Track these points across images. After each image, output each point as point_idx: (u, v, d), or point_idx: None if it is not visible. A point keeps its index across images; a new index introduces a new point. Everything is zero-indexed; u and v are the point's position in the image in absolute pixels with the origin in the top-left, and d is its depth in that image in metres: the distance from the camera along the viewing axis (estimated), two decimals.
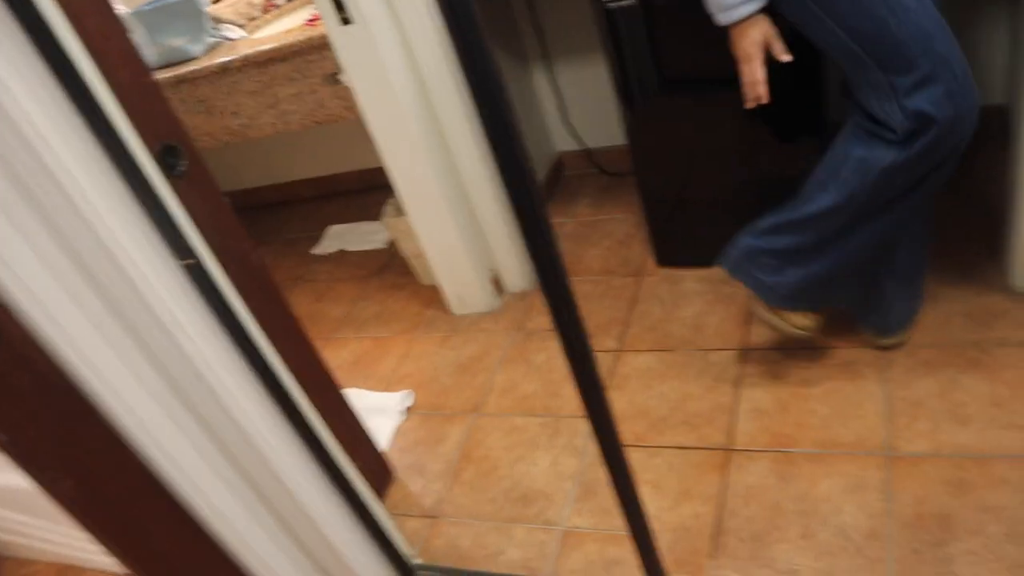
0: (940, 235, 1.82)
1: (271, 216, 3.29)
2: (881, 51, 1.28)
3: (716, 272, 2.09)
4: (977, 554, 1.31)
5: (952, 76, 1.26)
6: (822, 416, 1.63)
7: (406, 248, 2.40)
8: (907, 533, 1.38)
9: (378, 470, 1.82)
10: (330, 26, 1.80)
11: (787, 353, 1.80)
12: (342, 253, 2.87)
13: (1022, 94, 1.59)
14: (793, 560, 1.40)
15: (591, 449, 1.73)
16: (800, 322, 1.66)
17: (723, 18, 1.40)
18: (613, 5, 1.78)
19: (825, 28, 1.33)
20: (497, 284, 2.30)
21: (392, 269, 2.65)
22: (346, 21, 1.76)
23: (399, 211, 2.24)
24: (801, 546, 1.42)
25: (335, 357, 2.32)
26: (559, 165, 2.76)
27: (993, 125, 2.06)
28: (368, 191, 3.05)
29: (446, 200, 2.06)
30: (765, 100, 1.45)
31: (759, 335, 1.88)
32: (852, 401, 1.64)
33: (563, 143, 2.72)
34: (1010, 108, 1.75)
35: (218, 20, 2.38)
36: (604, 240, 2.41)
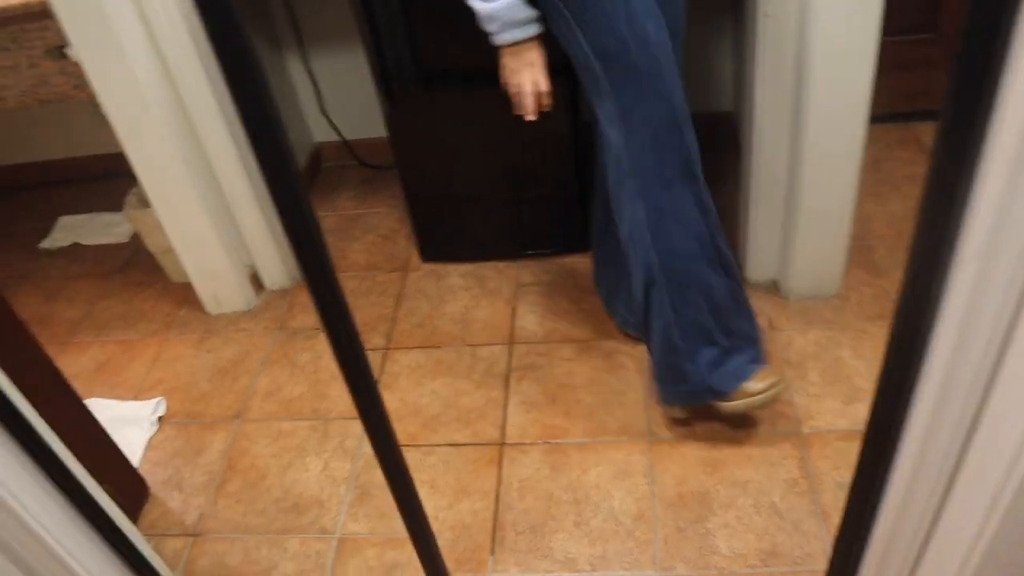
0: None
1: None
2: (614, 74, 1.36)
3: (481, 267, 2.13)
4: (732, 526, 1.44)
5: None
6: (588, 406, 1.71)
7: (153, 243, 2.19)
8: (671, 512, 1.48)
9: (130, 488, 1.65)
10: None
11: (552, 347, 1.86)
12: (77, 247, 2.57)
13: (747, 101, 1.76)
14: (570, 549, 1.46)
15: (364, 451, 1.69)
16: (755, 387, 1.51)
17: (498, 39, 1.41)
18: None
19: (575, 41, 1.38)
20: (255, 281, 2.17)
21: (137, 265, 2.41)
22: None
23: (143, 202, 2.04)
24: (576, 534, 1.48)
25: (73, 364, 2.08)
26: (317, 156, 2.68)
27: (724, 130, 2.29)
28: (106, 178, 2.73)
29: (196, 191, 1.91)
30: (533, 117, 1.50)
31: (524, 329, 1.93)
32: (615, 390, 1.74)
33: (321, 134, 2.64)
34: (738, 115, 1.93)
35: None
36: (367, 235, 2.37)
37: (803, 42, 1.51)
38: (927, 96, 2.36)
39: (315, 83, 2.50)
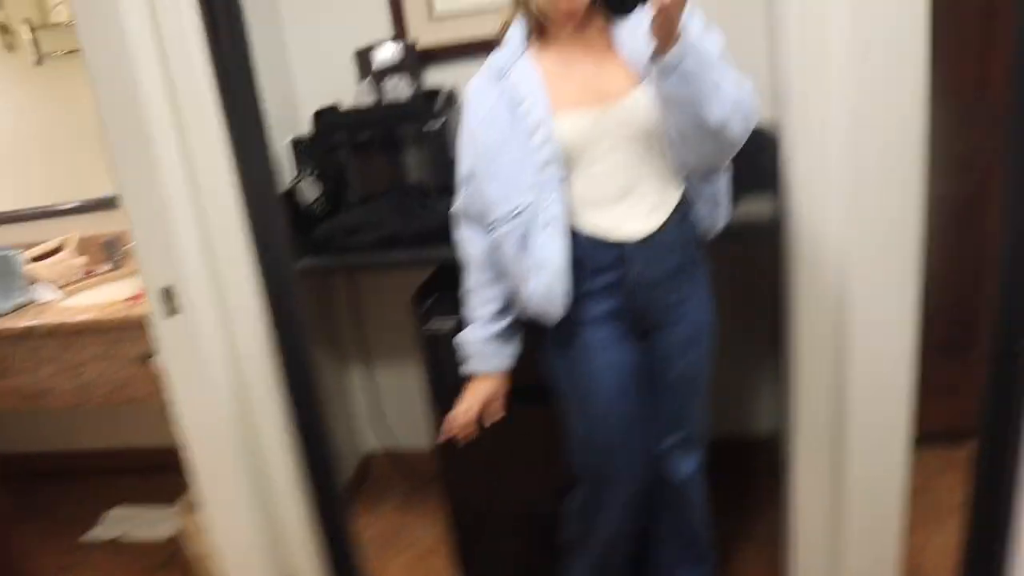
0: (725, 560, 1.90)
1: (45, 488, 2.94)
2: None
3: None
4: None
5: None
6: None
7: (194, 546, 2.19)
8: None
9: None
10: (155, 316, 1.74)
11: None
12: (118, 541, 2.57)
13: (790, 427, 1.80)
14: None
15: None
16: None
17: (462, 368, 1.59)
18: (429, 332, 1.90)
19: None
20: None
21: (174, 568, 2.39)
22: (173, 312, 1.73)
23: (192, 507, 2.07)
24: None
25: None
26: (367, 463, 2.73)
27: (764, 455, 2.30)
28: (162, 471, 2.81)
29: (248, 507, 1.93)
30: (457, 439, 1.62)
31: None
32: None
33: (374, 442, 2.72)
34: (780, 440, 1.95)
35: (34, 279, 2.30)
36: (408, 550, 2.34)
37: (841, 370, 1.59)
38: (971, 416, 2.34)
39: (375, 393, 2.63)
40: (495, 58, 1.47)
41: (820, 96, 1.45)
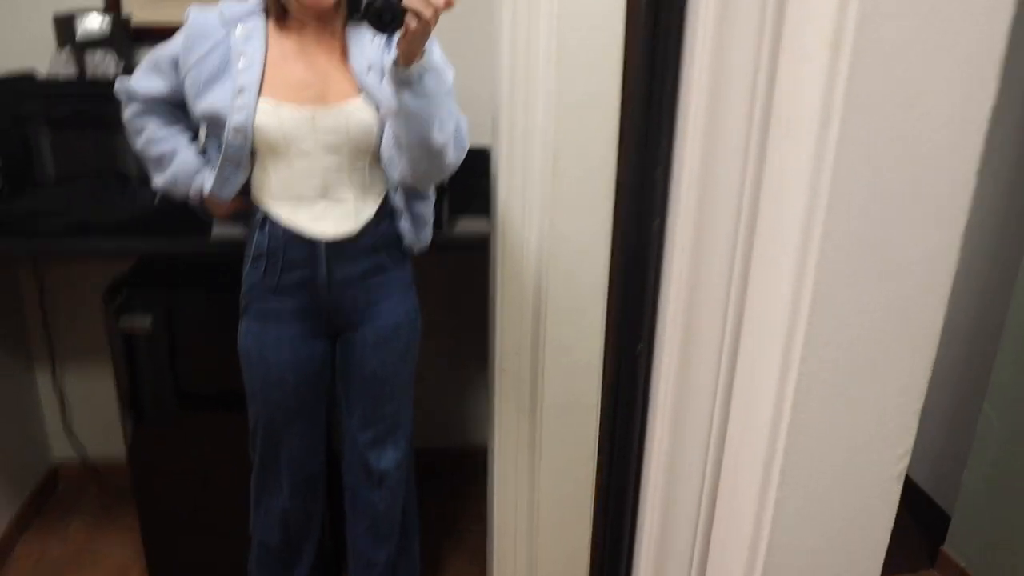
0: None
1: None
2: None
3: None
4: None
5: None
6: None
7: None
8: None
9: None
10: None
11: None
12: None
13: (492, 438, 1.87)
14: None
15: None
16: None
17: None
18: (123, 329, 1.76)
19: None
20: None
21: None
22: None
23: None
24: None
25: None
26: (54, 475, 2.46)
27: (478, 464, 2.39)
28: None
29: None
30: None
31: None
32: None
33: (61, 451, 2.45)
34: (488, 449, 2.03)
35: None
36: (98, 569, 2.13)
37: (536, 382, 1.68)
38: None
39: (62, 399, 2.38)
40: (228, 5, 1.46)
41: (523, 126, 1.54)
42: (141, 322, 1.76)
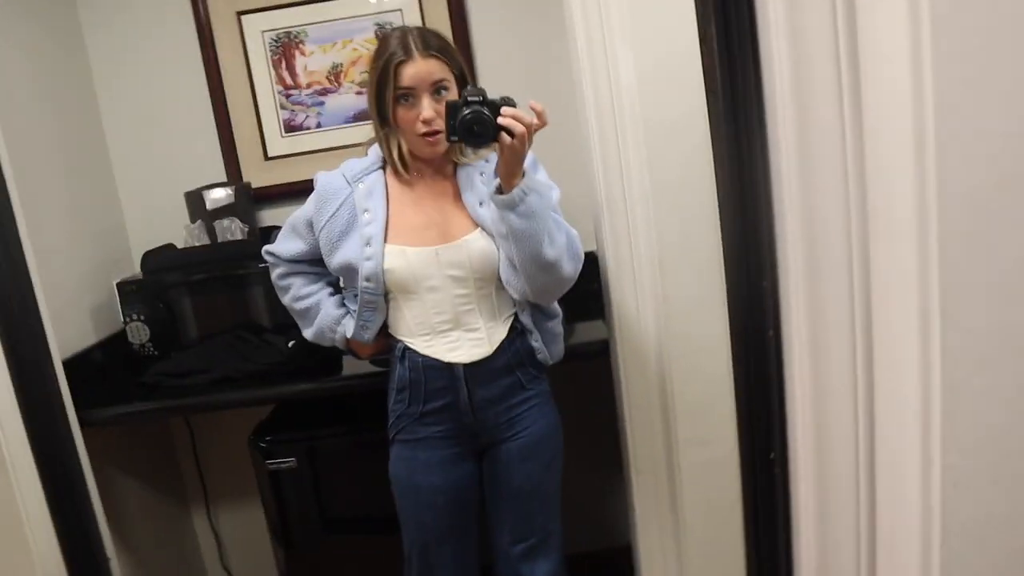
0: None
1: None
2: None
3: None
4: None
5: None
6: None
7: None
8: None
9: None
10: None
11: None
12: None
13: (634, 539, 1.85)
14: None
15: None
16: None
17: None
18: (274, 466, 1.86)
19: None
20: None
21: None
22: None
23: None
24: None
25: None
26: None
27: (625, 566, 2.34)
28: None
29: None
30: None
31: None
32: None
33: None
34: (632, 550, 2.00)
35: None
36: None
37: (672, 481, 1.66)
38: None
39: (217, 536, 2.50)
40: (351, 163, 1.60)
41: (624, 233, 1.59)
42: (287, 463, 1.86)
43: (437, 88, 1.46)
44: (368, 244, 1.51)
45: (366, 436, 1.88)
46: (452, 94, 1.48)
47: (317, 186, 1.59)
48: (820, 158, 0.72)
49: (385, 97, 1.47)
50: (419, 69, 1.44)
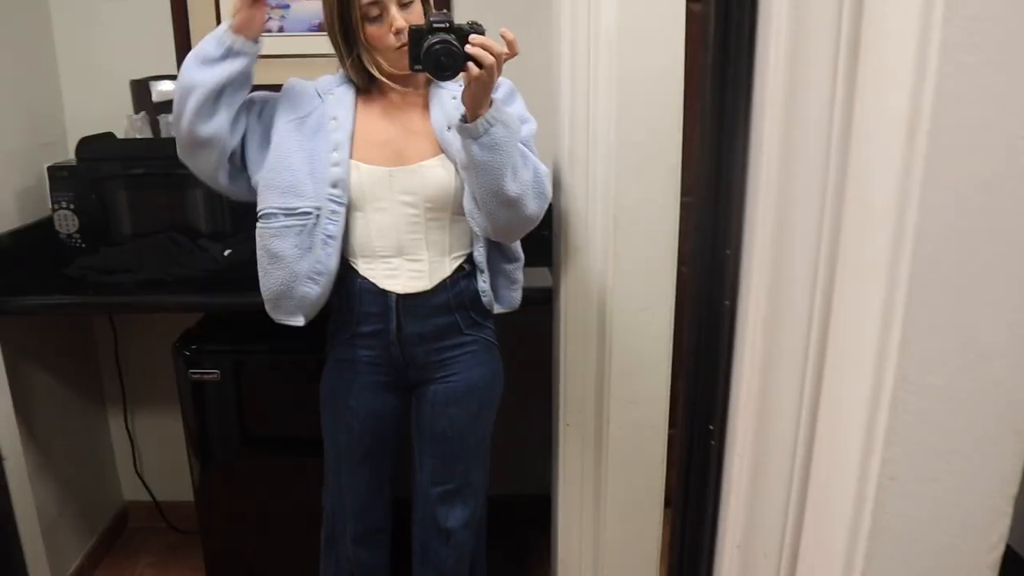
0: None
1: None
2: None
3: None
4: None
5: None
6: None
7: None
8: None
9: None
10: None
11: None
12: None
13: (556, 487, 1.86)
14: None
15: None
16: None
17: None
18: (197, 376, 1.81)
19: None
20: None
21: None
22: None
23: None
24: None
25: None
26: (124, 515, 2.53)
27: (541, 512, 2.37)
28: None
29: None
30: None
31: None
32: None
33: (132, 492, 2.51)
34: (552, 501, 2.02)
35: None
36: None
37: (599, 435, 1.66)
38: None
39: (133, 442, 2.44)
40: (323, 79, 1.55)
41: (584, 181, 1.56)
42: (210, 375, 1.81)
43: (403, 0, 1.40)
44: (336, 150, 1.45)
45: (295, 356, 1.84)
46: (418, 6, 1.43)
47: (290, 84, 1.52)
48: (805, 131, 0.69)
49: (352, 19, 1.40)
50: None
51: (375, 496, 1.66)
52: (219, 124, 1.40)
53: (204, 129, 1.39)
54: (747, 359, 0.77)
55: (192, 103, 1.37)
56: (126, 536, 2.50)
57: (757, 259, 0.72)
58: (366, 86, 1.51)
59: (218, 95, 1.39)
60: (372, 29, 1.41)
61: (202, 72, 1.38)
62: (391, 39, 1.40)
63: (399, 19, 1.39)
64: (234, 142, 1.45)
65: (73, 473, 2.23)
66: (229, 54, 1.39)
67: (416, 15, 1.42)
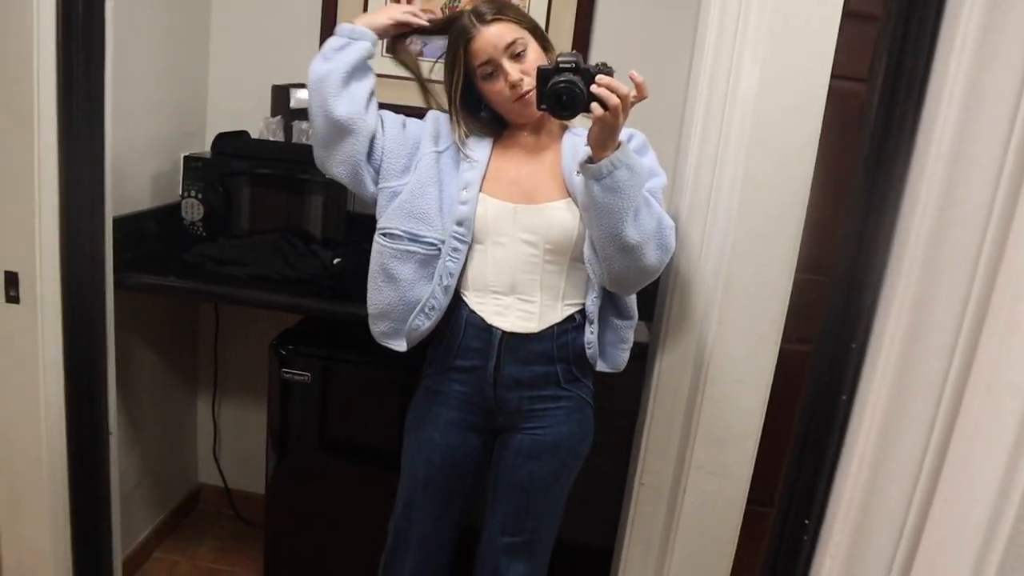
0: None
1: None
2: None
3: None
4: None
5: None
6: None
7: None
8: None
9: None
10: None
11: None
12: None
13: (623, 540, 1.81)
14: None
15: None
16: None
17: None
18: (288, 376, 1.86)
19: None
20: None
21: None
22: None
23: None
24: None
25: None
26: (196, 495, 2.61)
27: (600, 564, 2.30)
28: None
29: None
30: None
31: None
32: None
33: (206, 476, 2.60)
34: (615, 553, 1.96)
35: None
36: None
37: (672, 515, 1.62)
38: None
39: (216, 427, 2.52)
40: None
41: (699, 244, 1.54)
42: (301, 376, 1.86)
43: (513, 51, 1.43)
44: (465, 189, 1.47)
45: (386, 372, 1.86)
46: (533, 52, 1.45)
47: (432, 116, 1.56)
48: (959, 231, 0.66)
49: (475, 84, 1.48)
50: (487, 37, 1.42)
51: (442, 533, 1.63)
52: (353, 103, 1.46)
53: (338, 108, 1.44)
54: (856, 461, 0.74)
55: (324, 89, 1.44)
56: (194, 516, 2.57)
57: (884, 358, 0.69)
58: (499, 134, 1.55)
59: (347, 79, 1.46)
60: (490, 86, 1.46)
61: (327, 63, 1.46)
62: (507, 92, 1.44)
63: (513, 72, 1.42)
64: (372, 125, 1.49)
65: (155, 448, 2.32)
66: (350, 41, 1.47)
67: (531, 63, 1.43)
